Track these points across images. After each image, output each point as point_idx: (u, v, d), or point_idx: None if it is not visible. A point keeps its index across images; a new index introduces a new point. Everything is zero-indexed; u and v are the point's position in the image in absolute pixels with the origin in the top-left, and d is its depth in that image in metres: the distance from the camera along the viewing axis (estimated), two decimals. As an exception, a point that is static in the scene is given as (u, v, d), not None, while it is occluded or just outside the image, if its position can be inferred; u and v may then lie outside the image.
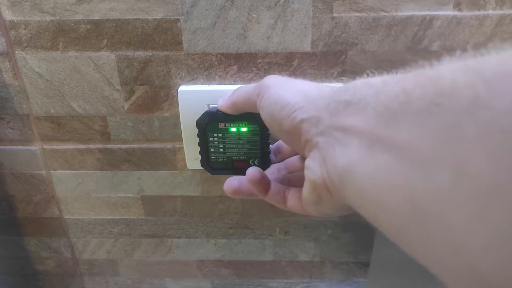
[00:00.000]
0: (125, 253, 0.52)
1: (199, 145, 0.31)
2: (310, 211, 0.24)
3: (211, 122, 0.30)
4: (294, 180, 0.29)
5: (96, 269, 0.54)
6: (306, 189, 0.22)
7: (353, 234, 0.49)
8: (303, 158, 0.30)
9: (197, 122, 0.30)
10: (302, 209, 0.25)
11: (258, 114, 0.27)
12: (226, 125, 0.30)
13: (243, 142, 0.30)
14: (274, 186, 0.27)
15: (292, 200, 0.26)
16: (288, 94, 0.22)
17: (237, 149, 0.31)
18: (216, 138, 0.30)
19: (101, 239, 0.51)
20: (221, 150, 0.31)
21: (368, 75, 0.19)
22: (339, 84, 0.21)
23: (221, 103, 0.30)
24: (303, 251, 0.51)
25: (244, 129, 0.30)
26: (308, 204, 0.23)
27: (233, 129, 0.30)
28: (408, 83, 0.15)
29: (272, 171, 0.31)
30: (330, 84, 0.22)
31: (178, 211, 0.49)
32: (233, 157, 0.31)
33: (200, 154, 0.32)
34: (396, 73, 0.17)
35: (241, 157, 0.31)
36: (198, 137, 0.31)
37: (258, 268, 0.53)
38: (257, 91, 0.25)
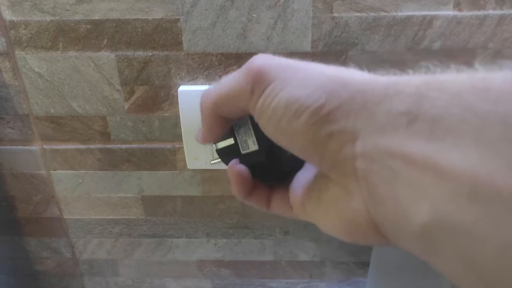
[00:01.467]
0: (125, 253, 0.52)
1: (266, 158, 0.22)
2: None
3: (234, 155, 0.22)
4: None
5: (96, 269, 0.54)
6: (338, 227, 0.16)
7: (353, 234, 0.49)
8: None
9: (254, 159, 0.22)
10: (290, 214, 0.20)
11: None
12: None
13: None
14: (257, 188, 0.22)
15: (276, 205, 0.22)
16: (302, 90, 0.15)
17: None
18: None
19: (101, 239, 0.51)
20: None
21: (427, 70, 0.13)
22: (375, 77, 0.15)
23: (200, 136, 0.21)
24: (303, 251, 0.51)
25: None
26: (333, 233, 0.17)
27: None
28: None
29: None
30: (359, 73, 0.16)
31: (178, 211, 0.49)
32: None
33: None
34: (461, 70, 0.12)
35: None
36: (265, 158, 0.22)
37: (258, 268, 0.53)
38: (248, 86, 0.17)
